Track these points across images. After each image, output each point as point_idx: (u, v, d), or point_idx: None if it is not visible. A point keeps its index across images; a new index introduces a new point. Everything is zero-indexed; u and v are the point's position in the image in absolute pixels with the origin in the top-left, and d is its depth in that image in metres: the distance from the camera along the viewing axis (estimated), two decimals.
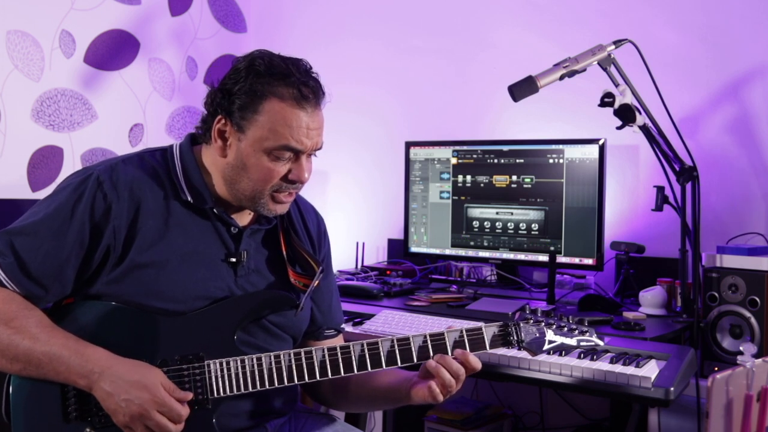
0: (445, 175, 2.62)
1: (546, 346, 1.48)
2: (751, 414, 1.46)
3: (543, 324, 1.50)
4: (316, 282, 1.53)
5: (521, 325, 1.48)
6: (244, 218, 1.52)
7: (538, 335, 1.48)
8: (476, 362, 1.42)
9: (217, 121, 1.41)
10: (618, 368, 1.68)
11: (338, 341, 1.64)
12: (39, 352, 1.29)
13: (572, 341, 1.50)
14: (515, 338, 1.47)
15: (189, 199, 1.44)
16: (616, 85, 2.06)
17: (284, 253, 1.53)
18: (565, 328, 1.51)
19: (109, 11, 2.86)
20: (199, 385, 1.34)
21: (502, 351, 1.81)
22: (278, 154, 1.39)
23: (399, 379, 1.52)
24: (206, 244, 1.45)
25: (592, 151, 2.33)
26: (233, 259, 1.46)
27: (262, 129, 1.38)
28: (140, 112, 3.01)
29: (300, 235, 1.59)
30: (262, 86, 1.37)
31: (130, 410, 1.26)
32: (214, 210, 1.46)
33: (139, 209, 1.40)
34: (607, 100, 2.02)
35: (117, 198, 1.39)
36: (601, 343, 1.53)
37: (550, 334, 1.49)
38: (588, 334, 1.51)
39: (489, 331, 1.46)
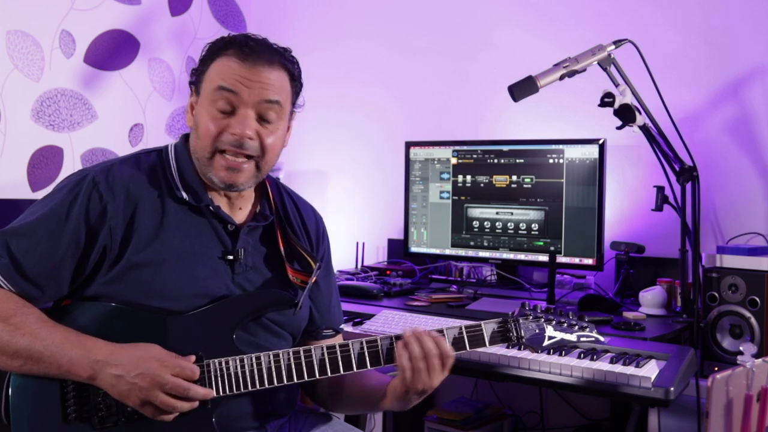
0: (445, 175, 2.62)
1: (546, 342, 1.47)
2: (751, 414, 1.46)
3: (542, 320, 1.49)
4: (314, 278, 1.53)
5: (520, 321, 1.48)
6: (241, 215, 1.53)
7: (537, 331, 1.48)
8: (448, 347, 1.39)
9: (190, 96, 1.49)
10: (618, 368, 1.68)
11: (337, 341, 1.64)
12: (40, 346, 1.30)
13: (572, 337, 1.49)
14: (515, 334, 1.46)
15: (185, 196, 1.44)
16: (616, 85, 2.06)
17: (282, 250, 1.53)
18: (565, 324, 1.50)
19: (109, 11, 2.86)
20: (199, 384, 1.34)
21: (502, 351, 1.81)
22: (218, 106, 1.41)
23: (376, 378, 1.53)
24: (203, 242, 1.45)
25: (592, 151, 2.33)
26: (230, 257, 1.46)
27: (207, 83, 1.43)
28: (140, 112, 3.01)
29: (297, 232, 1.59)
30: (212, 52, 1.45)
31: (144, 383, 1.27)
32: (210, 207, 1.46)
33: (136, 209, 1.40)
34: (607, 100, 2.02)
35: (113, 198, 1.39)
36: (601, 338, 1.52)
37: (549, 330, 1.48)
38: (588, 329, 1.51)
39: (488, 327, 1.46)
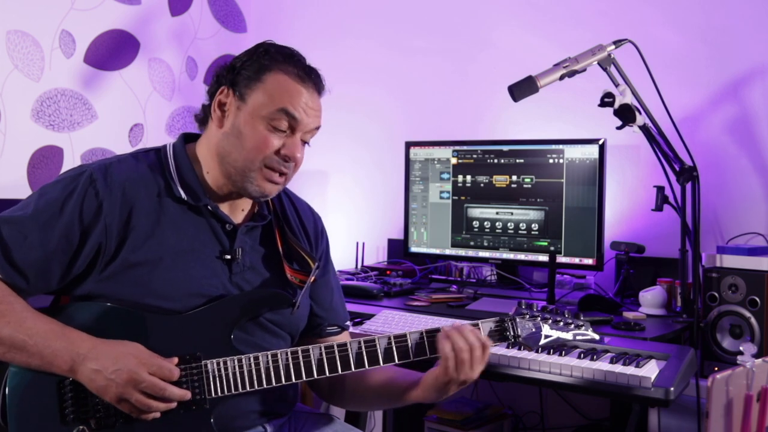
0: (445, 175, 2.62)
1: (542, 341, 1.49)
2: (751, 414, 1.46)
3: (539, 319, 1.51)
4: (312, 278, 1.53)
5: (517, 320, 1.49)
6: (239, 215, 1.53)
7: (534, 330, 1.49)
8: (486, 338, 1.44)
9: (219, 93, 1.46)
10: (618, 368, 1.68)
11: (343, 339, 1.63)
12: (24, 335, 1.29)
13: (568, 335, 1.51)
14: (511, 333, 1.48)
15: (183, 196, 1.44)
16: (616, 85, 2.05)
17: (280, 249, 1.53)
18: (561, 323, 1.52)
19: (109, 11, 2.86)
20: (197, 385, 1.34)
21: (502, 351, 1.81)
22: (275, 123, 1.42)
23: (399, 372, 1.53)
24: (201, 242, 1.45)
25: (592, 151, 2.33)
26: (228, 257, 1.46)
27: (263, 95, 1.42)
28: (140, 112, 3.01)
29: (296, 231, 1.59)
30: (268, 61, 1.44)
31: (120, 379, 1.26)
32: (209, 207, 1.46)
33: (133, 209, 1.40)
34: (607, 100, 2.02)
35: (109, 196, 1.39)
36: (596, 337, 1.54)
37: (546, 329, 1.50)
38: (584, 328, 1.53)
39: (485, 326, 1.47)
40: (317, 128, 1.50)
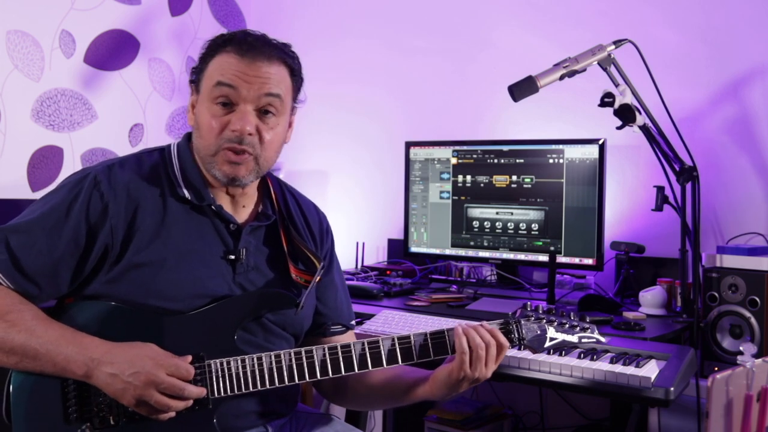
0: (445, 175, 2.62)
1: (547, 344, 1.47)
2: (751, 414, 1.46)
3: (544, 321, 1.48)
4: (318, 278, 1.53)
5: (522, 322, 1.47)
6: (244, 214, 1.52)
7: (539, 332, 1.47)
8: (504, 338, 1.43)
9: (190, 95, 1.49)
10: (618, 368, 1.68)
11: (348, 338, 1.63)
12: (35, 343, 1.29)
13: (574, 338, 1.49)
14: (516, 336, 1.46)
15: (187, 196, 1.44)
16: (616, 85, 2.06)
17: (285, 249, 1.53)
18: (567, 325, 1.49)
19: (109, 11, 2.86)
20: (200, 385, 1.34)
21: None
22: (217, 100, 1.41)
23: (406, 369, 1.52)
24: (205, 242, 1.45)
25: (592, 151, 2.33)
26: (232, 257, 1.46)
27: (206, 79, 1.43)
28: (140, 112, 3.01)
29: (301, 231, 1.59)
30: (212, 49, 1.45)
31: (139, 382, 1.26)
32: (212, 207, 1.46)
33: (138, 209, 1.40)
34: (607, 100, 2.02)
35: (114, 197, 1.39)
36: (603, 339, 1.52)
37: (551, 332, 1.48)
38: (589, 330, 1.50)
39: None
40: (271, 95, 1.41)
